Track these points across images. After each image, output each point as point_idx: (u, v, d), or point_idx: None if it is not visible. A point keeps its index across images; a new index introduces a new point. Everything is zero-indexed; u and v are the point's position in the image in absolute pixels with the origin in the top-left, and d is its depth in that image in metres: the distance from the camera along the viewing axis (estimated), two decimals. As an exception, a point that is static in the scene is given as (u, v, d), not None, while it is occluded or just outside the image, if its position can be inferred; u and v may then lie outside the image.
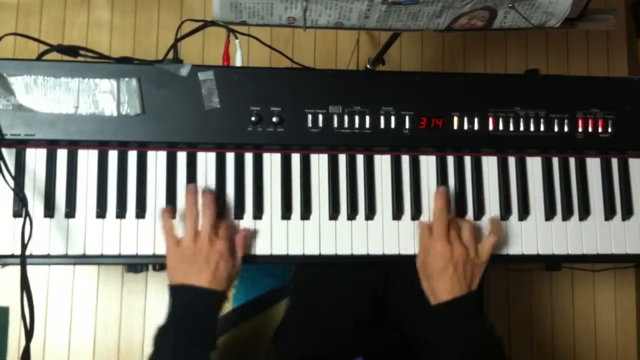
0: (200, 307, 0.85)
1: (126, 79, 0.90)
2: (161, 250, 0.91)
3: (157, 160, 0.93)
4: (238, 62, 1.02)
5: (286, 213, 0.94)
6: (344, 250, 0.94)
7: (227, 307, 1.62)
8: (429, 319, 0.90)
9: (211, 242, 0.85)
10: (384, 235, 0.95)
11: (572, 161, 1.01)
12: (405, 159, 0.98)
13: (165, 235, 0.88)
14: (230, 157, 0.94)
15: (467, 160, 0.99)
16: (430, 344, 0.90)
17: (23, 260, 0.81)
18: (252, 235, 0.92)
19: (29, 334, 0.77)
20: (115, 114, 0.89)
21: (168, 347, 0.83)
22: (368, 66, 1.54)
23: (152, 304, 1.63)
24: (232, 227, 0.90)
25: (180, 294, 0.86)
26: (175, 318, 0.85)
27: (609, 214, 1.00)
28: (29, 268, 0.80)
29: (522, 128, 0.98)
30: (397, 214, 0.96)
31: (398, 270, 1.07)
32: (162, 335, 0.84)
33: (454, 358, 0.86)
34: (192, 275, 0.85)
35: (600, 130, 0.99)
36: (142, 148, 0.93)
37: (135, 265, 1.57)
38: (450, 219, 0.91)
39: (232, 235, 0.89)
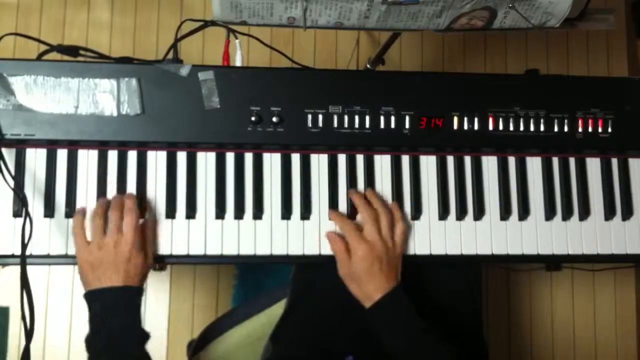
0: (119, 304, 0.84)
1: (126, 79, 0.90)
2: (161, 250, 0.91)
3: (157, 160, 0.93)
4: (238, 62, 1.02)
5: (286, 213, 0.94)
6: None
7: (227, 307, 1.63)
8: (369, 321, 0.89)
9: (117, 246, 0.84)
10: (384, 235, 0.95)
11: (572, 161, 1.01)
12: (405, 159, 0.98)
13: (75, 237, 0.87)
14: (230, 157, 0.94)
15: (467, 160, 0.99)
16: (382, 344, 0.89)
17: (23, 260, 0.81)
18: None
19: (29, 334, 0.77)
20: (115, 114, 0.89)
21: (99, 351, 0.83)
22: (368, 66, 1.54)
23: (152, 304, 1.63)
24: (138, 222, 0.88)
25: (94, 299, 0.85)
26: (97, 322, 0.84)
27: (609, 214, 1.00)
28: (29, 268, 0.80)
29: (522, 128, 0.98)
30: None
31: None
32: (91, 346, 0.84)
33: (399, 350, 0.87)
34: (103, 279, 0.84)
35: (600, 130, 0.99)
36: (142, 148, 0.93)
37: (135, 265, 1.57)
38: (366, 212, 0.91)
39: (141, 231, 0.87)
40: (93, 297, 0.85)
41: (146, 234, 0.89)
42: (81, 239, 0.86)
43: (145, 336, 0.85)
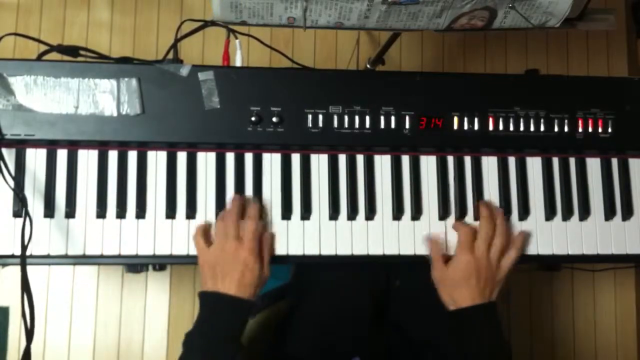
0: (224, 314, 0.86)
1: (126, 79, 0.90)
2: (161, 250, 0.91)
3: (157, 160, 0.93)
4: (238, 62, 1.02)
5: (286, 213, 0.94)
6: (344, 250, 0.94)
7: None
8: (448, 323, 0.91)
9: (237, 251, 0.86)
10: (384, 236, 0.95)
11: (572, 161, 1.01)
12: (405, 159, 0.98)
13: (196, 240, 0.89)
14: (230, 157, 0.94)
15: (467, 160, 0.99)
16: (449, 348, 0.91)
17: (23, 260, 0.81)
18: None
19: (29, 334, 0.77)
20: (115, 114, 0.89)
21: (194, 353, 0.84)
22: (368, 66, 1.54)
23: (152, 304, 1.63)
24: (260, 232, 0.89)
25: (206, 301, 0.87)
26: (200, 324, 0.86)
27: (609, 214, 1.00)
28: (29, 268, 0.80)
29: (522, 128, 0.98)
30: (397, 214, 0.96)
31: (398, 270, 1.07)
32: (188, 341, 0.86)
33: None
34: (219, 282, 0.86)
35: (600, 130, 0.99)
36: (142, 148, 0.93)
37: (135, 265, 1.57)
38: (485, 227, 0.92)
39: (260, 241, 0.89)
40: (205, 299, 0.87)
41: (265, 245, 0.90)
42: (201, 240, 0.88)
43: (241, 350, 0.85)
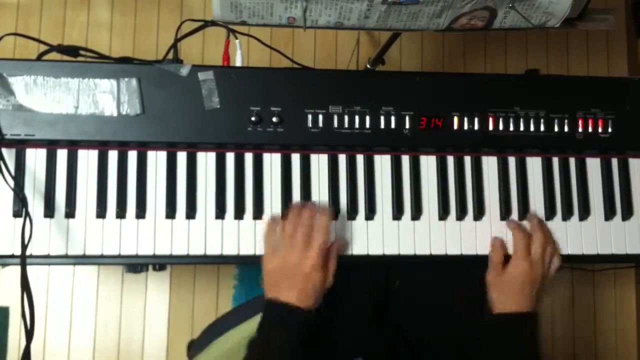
0: (285, 325, 0.86)
1: (126, 79, 0.90)
2: (161, 250, 0.91)
3: (157, 160, 0.93)
4: (238, 62, 1.02)
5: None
6: (344, 250, 0.94)
7: (227, 307, 1.63)
8: (489, 325, 0.93)
9: (301, 263, 0.86)
10: (384, 236, 0.95)
11: (572, 161, 1.01)
12: (405, 159, 0.98)
13: (264, 246, 0.90)
14: (230, 157, 0.94)
15: (467, 160, 0.99)
16: (484, 349, 0.92)
17: (23, 260, 0.81)
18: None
19: (29, 334, 0.77)
20: (115, 114, 0.89)
21: (255, 357, 0.85)
22: (368, 66, 1.54)
23: (152, 304, 1.63)
24: (327, 244, 0.89)
25: (270, 309, 0.88)
26: (263, 332, 0.87)
27: (609, 214, 1.00)
28: (29, 268, 0.80)
29: (522, 128, 0.98)
30: (397, 214, 0.96)
31: (398, 270, 1.07)
32: (251, 345, 0.87)
33: None
34: (282, 289, 0.86)
35: (600, 130, 0.99)
36: (142, 148, 0.93)
37: (135, 265, 1.57)
38: (539, 233, 0.94)
39: (328, 251, 0.89)
40: (268, 306, 0.88)
41: (332, 254, 0.89)
42: (269, 246, 0.89)
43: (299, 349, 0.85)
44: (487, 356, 0.91)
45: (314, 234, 0.87)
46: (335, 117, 0.94)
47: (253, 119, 0.92)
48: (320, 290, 0.87)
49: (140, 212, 0.91)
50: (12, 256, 0.88)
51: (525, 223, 0.97)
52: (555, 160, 1.01)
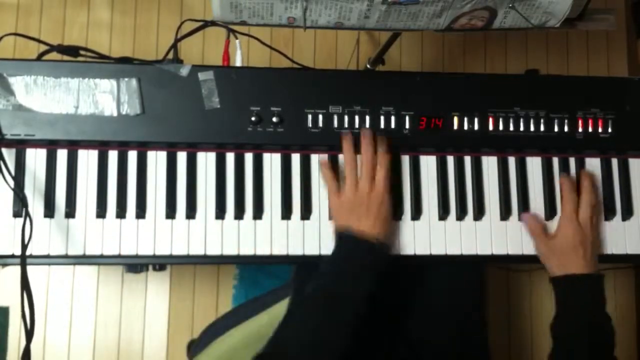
0: (360, 254, 0.88)
1: (126, 79, 0.90)
2: (161, 250, 0.91)
3: (157, 160, 0.93)
4: (238, 62, 1.02)
5: (286, 213, 0.94)
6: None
7: (227, 307, 1.63)
8: (562, 287, 0.93)
9: (371, 189, 0.90)
10: (384, 235, 0.95)
11: (572, 161, 1.01)
12: (405, 159, 0.98)
13: (327, 185, 0.93)
14: (230, 157, 0.94)
15: (467, 160, 0.99)
16: (561, 312, 0.93)
17: (23, 260, 0.81)
18: (249, 233, 0.93)
19: (29, 334, 0.77)
20: (115, 114, 0.89)
21: (322, 287, 0.87)
22: (368, 66, 1.54)
23: (152, 304, 1.63)
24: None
25: (344, 243, 0.89)
26: (336, 262, 0.89)
27: (609, 214, 1.00)
28: (29, 268, 0.80)
29: (522, 128, 0.98)
30: (398, 214, 0.96)
31: (399, 270, 1.07)
32: (319, 279, 0.88)
33: (572, 331, 0.91)
34: (354, 222, 0.89)
35: (600, 130, 0.99)
36: (142, 148, 0.93)
37: (135, 265, 1.58)
38: (587, 195, 0.95)
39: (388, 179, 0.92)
40: (341, 239, 0.90)
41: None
42: (333, 183, 0.92)
43: (370, 296, 0.86)
44: (558, 316, 0.93)
45: (378, 168, 0.91)
46: (335, 117, 0.94)
47: (253, 119, 0.92)
48: (389, 220, 0.90)
49: (140, 212, 0.91)
50: (12, 256, 0.88)
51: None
52: (555, 160, 1.01)
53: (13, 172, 0.88)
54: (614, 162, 1.02)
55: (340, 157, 0.96)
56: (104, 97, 0.89)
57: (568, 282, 0.93)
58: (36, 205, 0.89)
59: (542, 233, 0.95)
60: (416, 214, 0.96)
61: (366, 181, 0.90)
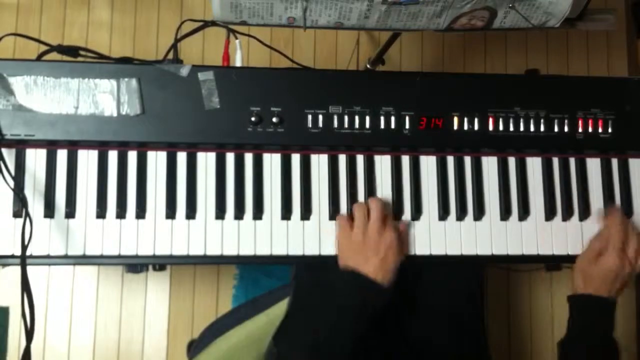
0: (360, 295, 0.88)
1: (126, 79, 0.90)
2: (161, 250, 0.91)
3: (157, 160, 0.93)
4: (238, 62, 1.02)
5: (286, 213, 0.94)
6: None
7: (227, 307, 1.63)
8: (579, 305, 0.97)
9: (380, 233, 0.89)
10: (384, 236, 0.95)
11: (572, 161, 1.01)
12: (405, 159, 0.98)
13: (339, 223, 0.93)
14: (230, 157, 0.94)
15: (467, 160, 0.99)
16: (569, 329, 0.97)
17: (23, 260, 0.81)
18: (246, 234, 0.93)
19: (29, 334, 0.77)
20: (115, 114, 0.89)
21: (319, 324, 0.88)
22: (368, 66, 1.54)
23: (152, 304, 1.63)
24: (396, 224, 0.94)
25: (344, 278, 0.90)
26: (333, 298, 0.89)
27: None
28: (29, 268, 0.80)
29: (522, 128, 0.98)
30: (398, 214, 0.96)
31: (399, 270, 1.07)
32: (319, 312, 0.90)
33: (581, 350, 0.94)
34: (360, 263, 0.89)
35: (600, 130, 0.99)
36: (142, 148, 0.93)
37: (135, 265, 1.58)
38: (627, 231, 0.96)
39: (399, 229, 0.93)
40: (342, 275, 0.90)
41: (402, 233, 0.94)
42: (346, 222, 0.92)
43: (359, 333, 0.88)
44: (570, 333, 0.96)
45: (387, 216, 0.92)
46: (335, 117, 0.94)
47: (253, 119, 0.92)
48: (395, 268, 0.90)
49: (140, 213, 0.91)
50: (12, 256, 0.88)
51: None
52: (555, 160, 1.01)
53: (13, 172, 0.88)
54: (614, 162, 1.02)
55: (340, 157, 0.96)
56: (104, 97, 0.89)
57: (584, 302, 0.95)
58: (36, 205, 0.89)
59: (596, 255, 0.95)
60: (416, 214, 0.96)
61: (376, 223, 0.90)
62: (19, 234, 0.82)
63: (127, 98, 0.89)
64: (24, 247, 0.82)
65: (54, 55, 0.95)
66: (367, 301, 0.88)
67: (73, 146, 0.91)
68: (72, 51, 0.96)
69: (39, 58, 0.93)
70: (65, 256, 0.89)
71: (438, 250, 0.96)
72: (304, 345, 0.88)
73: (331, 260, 0.93)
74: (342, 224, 0.93)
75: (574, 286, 0.97)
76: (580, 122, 0.99)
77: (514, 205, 0.99)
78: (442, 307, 1.04)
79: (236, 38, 1.01)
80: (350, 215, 0.93)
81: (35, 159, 0.90)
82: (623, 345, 0.96)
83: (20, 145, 0.90)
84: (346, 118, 0.94)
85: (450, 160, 0.99)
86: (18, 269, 0.80)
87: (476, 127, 0.97)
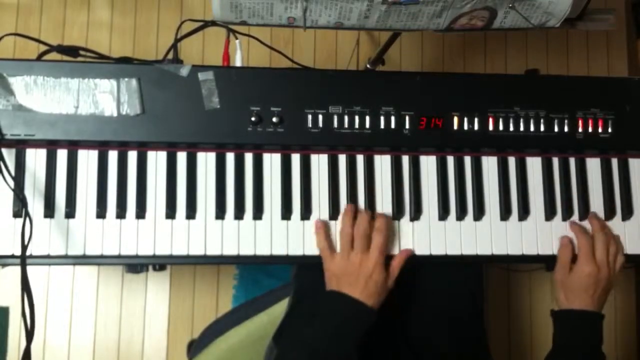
0: (344, 318, 0.88)
1: (126, 79, 0.90)
2: (161, 250, 0.91)
3: (157, 160, 0.93)
4: (238, 62, 1.02)
5: (286, 213, 0.94)
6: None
7: (227, 307, 1.63)
8: (555, 321, 0.97)
9: (363, 258, 0.89)
10: (384, 235, 0.95)
11: (572, 161, 1.01)
12: (405, 159, 0.98)
13: (320, 249, 0.92)
14: (230, 157, 0.94)
15: (467, 160, 0.99)
16: (554, 343, 0.96)
17: (23, 260, 0.81)
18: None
19: (29, 334, 0.77)
20: (115, 114, 0.89)
21: (304, 342, 0.87)
22: (368, 66, 1.54)
23: (152, 304, 1.63)
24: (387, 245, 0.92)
25: (328, 300, 0.90)
26: (321, 319, 0.89)
27: (609, 214, 1.00)
28: (29, 268, 0.80)
29: (522, 128, 0.98)
30: (397, 214, 0.96)
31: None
32: (302, 330, 0.89)
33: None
34: (344, 286, 0.89)
35: (600, 130, 0.99)
36: (142, 148, 0.93)
37: (135, 265, 1.57)
38: (601, 235, 0.96)
39: (388, 252, 0.93)
40: (329, 297, 0.90)
41: (397, 258, 0.93)
42: (326, 250, 0.91)
43: (348, 354, 0.87)
44: (554, 350, 0.95)
45: (373, 234, 0.90)
46: (335, 117, 0.94)
47: (253, 119, 0.92)
48: (381, 292, 0.90)
49: (140, 212, 0.91)
50: (12, 256, 0.88)
51: (585, 223, 0.99)
52: (555, 160, 1.01)
53: (13, 172, 0.88)
54: (614, 162, 1.02)
55: (340, 157, 0.96)
56: (104, 97, 0.89)
57: (567, 317, 0.95)
58: (36, 205, 0.89)
59: (567, 263, 0.96)
60: (416, 214, 0.96)
61: (357, 254, 0.90)
62: (19, 234, 0.82)
63: (127, 98, 0.89)
64: (24, 247, 0.82)
65: (54, 55, 0.95)
66: (349, 323, 0.88)
67: (73, 146, 0.91)
68: (72, 51, 0.96)
69: (39, 58, 0.93)
70: (65, 256, 0.89)
71: (438, 250, 0.96)
72: (304, 345, 0.88)
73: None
74: (323, 249, 0.92)
75: (558, 302, 0.97)
76: (580, 122, 0.99)
77: (514, 205, 0.99)
78: (442, 307, 1.05)
79: (236, 38, 1.01)
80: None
81: (35, 159, 0.90)
82: (621, 316, 0.96)
83: (20, 145, 0.90)
84: (346, 118, 0.94)
85: (450, 160, 0.99)
86: (18, 269, 0.80)
87: (476, 127, 0.97)
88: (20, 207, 0.88)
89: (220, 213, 0.92)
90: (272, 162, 0.95)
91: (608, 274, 0.94)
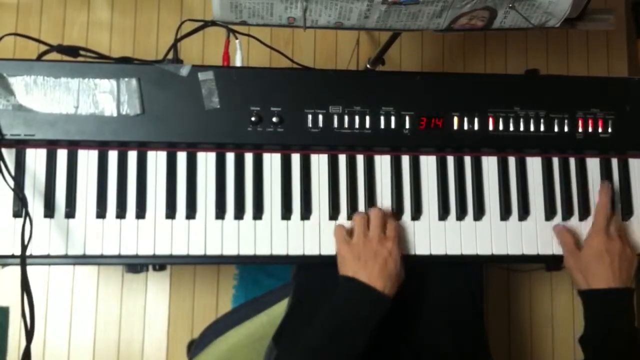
0: (359, 302, 0.87)
1: (126, 79, 0.90)
2: (161, 250, 0.91)
3: (157, 160, 0.93)
4: (238, 62, 1.02)
5: (286, 213, 0.94)
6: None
7: (227, 307, 1.63)
8: (585, 303, 0.93)
9: (380, 241, 0.89)
10: (384, 235, 0.95)
11: (572, 161, 1.01)
12: (405, 159, 0.98)
13: (336, 235, 0.92)
14: (230, 157, 0.94)
15: (467, 160, 0.99)
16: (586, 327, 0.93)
17: (23, 260, 0.81)
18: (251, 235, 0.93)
19: (29, 334, 0.77)
20: (115, 114, 0.89)
21: (321, 324, 0.87)
22: (368, 66, 1.54)
23: (152, 304, 1.63)
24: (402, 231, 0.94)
25: (345, 286, 0.89)
26: (333, 307, 0.88)
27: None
28: (29, 268, 0.80)
29: (522, 128, 0.98)
30: (397, 214, 0.96)
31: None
32: (324, 314, 0.88)
33: (598, 346, 0.91)
34: (359, 269, 0.88)
35: (600, 130, 0.99)
36: (142, 148, 0.93)
37: (135, 265, 1.57)
38: (604, 209, 0.95)
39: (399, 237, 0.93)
40: (342, 283, 0.89)
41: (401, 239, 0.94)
42: (342, 232, 0.92)
43: (360, 341, 0.86)
44: (585, 333, 0.93)
45: (387, 225, 0.91)
46: (335, 117, 0.94)
47: (253, 119, 0.92)
48: (396, 279, 0.89)
49: (140, 212, 0.91)
50: (12, 256, 0.88)
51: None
52: (555, 160, 1.01)
53: (13, 172, 0.88)
54: (614, 162, 1.02)
55: (340, 157, 0.96)
56: (104, 97, 0.89)
57: (594, 297, 0.93)
58: (36, 205, 0.89)
59: (573, 247, 0.95)
60: (416, 214, 0.96)
61: (375, 231, 0.90)
62: (19, 234, 0.82)
63: (127, 98, 0.89)
64: (24, 247, 0.82)
65: (54, 55, 0.95)
66: (364, 308, 0.87)
67: (73, 146, 0.91)
68: (72, 51, 0.96)
69: (39, 58, 0.93)
70: (65, 256, 0.89)
71: (438, 250, 0.96)
72: (304, 345, 0.88)
73: (331, 260, 0.93)
74: (340, 233, 0.92)
75: (578, 287, 0.95)
76: (580, 122, 0.99)
77: (514, 205, 0.99)
78: (442, 307, 1.04)
79: (236, 38, 1.01)
80: (350, 231, 0.93)
81: (35, 158, 0.91)
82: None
83: (20, 145, 0.90)
84: (346, 118, 0.94)
85: (450, 160, 0.99)
86: (18, 269, 0.80)
87: (476, 127, 0.97)
88: (20, 207, 0.88)
89: (220, 213, 0.93)
90: (272, 162, 0.95)
91: (620, 245, 0.93)
